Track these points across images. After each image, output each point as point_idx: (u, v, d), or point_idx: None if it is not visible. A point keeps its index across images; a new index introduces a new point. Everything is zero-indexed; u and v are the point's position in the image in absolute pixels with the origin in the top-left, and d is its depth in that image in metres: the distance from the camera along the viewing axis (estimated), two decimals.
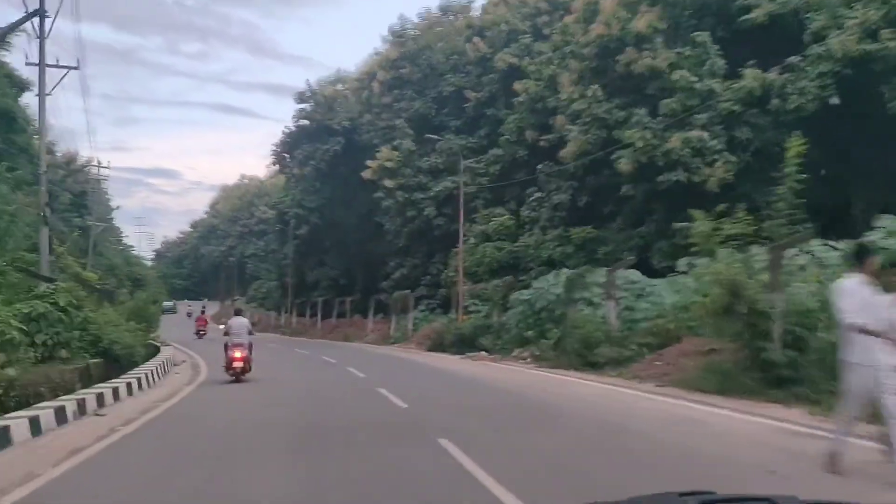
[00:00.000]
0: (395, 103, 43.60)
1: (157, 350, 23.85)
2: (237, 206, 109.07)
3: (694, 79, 25.55)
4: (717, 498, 1.72)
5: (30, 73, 55.04)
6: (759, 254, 11.53)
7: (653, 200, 27.44)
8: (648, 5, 27.78)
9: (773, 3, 25.16)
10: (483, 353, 22.60)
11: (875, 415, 5.80)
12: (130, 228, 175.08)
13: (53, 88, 24.34)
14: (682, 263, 20.34)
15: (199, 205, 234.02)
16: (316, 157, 48.76)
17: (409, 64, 43.33)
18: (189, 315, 67.17)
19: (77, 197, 60.43)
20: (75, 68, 25.04)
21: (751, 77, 24.67)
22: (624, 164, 25.92)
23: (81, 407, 10.65)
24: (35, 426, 8.80)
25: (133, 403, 12.05)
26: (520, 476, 5.99)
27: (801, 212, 11.96)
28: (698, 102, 25.72)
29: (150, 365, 16.89)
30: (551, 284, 20.97)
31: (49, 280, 15.79)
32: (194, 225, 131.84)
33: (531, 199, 33.52)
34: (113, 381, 13.39)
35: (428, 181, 39.32)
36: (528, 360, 19.59)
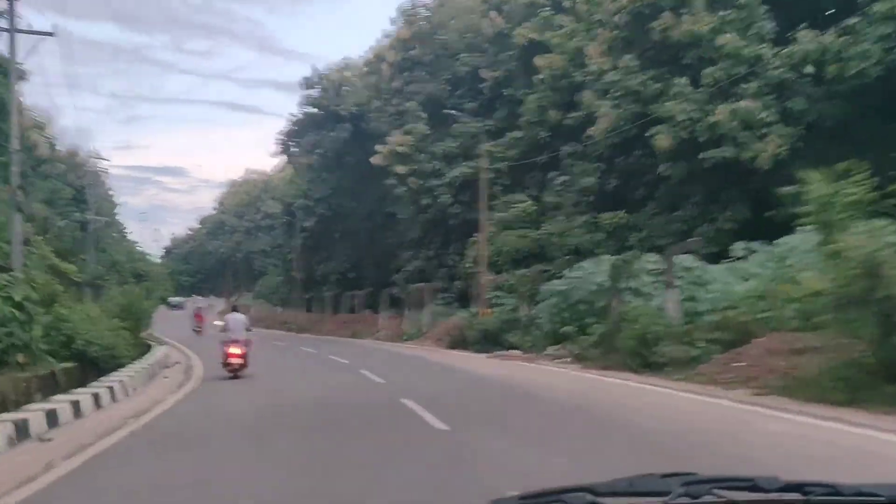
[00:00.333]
0: (406, 86, 41.10)
1: (147, 349, 21.65)
2: (244, 201, 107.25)
3: (741, 43, 22.95)
4: (699, 479, 1.70)
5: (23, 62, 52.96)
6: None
7: (692, 181, 24.92)
8: None
9: None
10: (514, 351, 20.13)
11: None
12: (138, 226, 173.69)
13: (27, 55, 22.15)
14: (737, 248, 17.93)
15: (207, 202, 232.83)
16: (323, 145, 46.40)
17: (421, 44, 40.83)
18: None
19: (78, 192, 58.57)
20: (50, 34, 22.71)
21: (806, 40, 22.06)
22: (662, 139, 23.39)
23: (23, 429, 8.31)
24: None
25: (96, 421, 9.74)
26: None
27: None
28: (745, 71, 23.17)
29: (133, 368, 14.58)
30: (589, 273, 18.52)
31: (3, 270, 13.48)
32: (202, 221, 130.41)
33: (555, 183, 31.03)
34: (79, 390, 11.05)
35: (443, 167, 36.82)
36: (568, 359, 17.16)
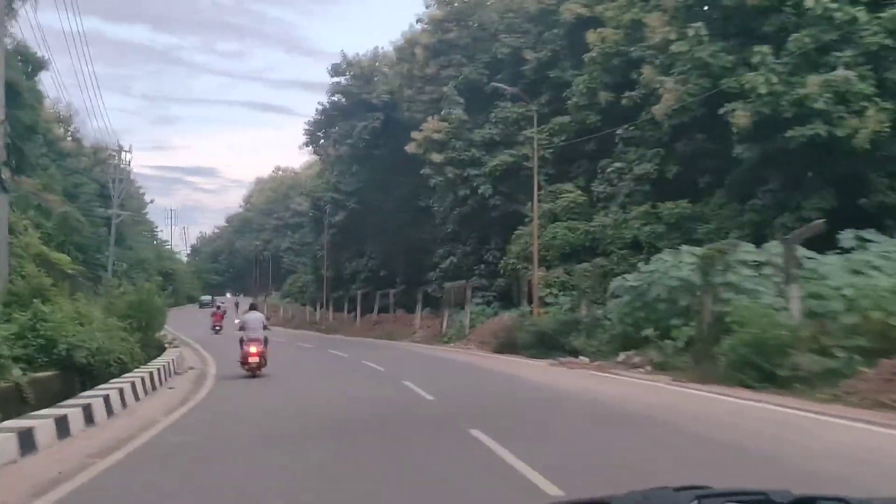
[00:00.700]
0: (441, 71, 38.56)
1: (160, 351, 19.42)
2: (271, 198, 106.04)
3: (833, 5, 20.02)
4: (712, 492, 1.68)
5: (44, 52, 51.45)
6: None
7: (770, 165, 22.05)
8: None
9: None
10: (581, 358, 17.37)
11: None
12: (167, 225, 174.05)
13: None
14: (846, 237, 15.11)
15: (236, 202, 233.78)
16: (353, 136, 44.02)
17: (457, 26, 38.26)
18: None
19: (104, 188, 57.20)
20: None
21: None
22: (740, 116, 20.52)
23: None
24: None
25: (51, 457, 7.20)
26: None
27: None
28: (837, 38, 20.25)
29: (131, 377, 12.19)
30: (670, 266, 15.78)
31: None
32: (229, 219, 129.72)
33: (608, 170, 28.26)
34: (43, 411, 8.60)
35: (482, 155, 34.20)
36: (647, 368, 14.48)
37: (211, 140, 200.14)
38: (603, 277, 23.44)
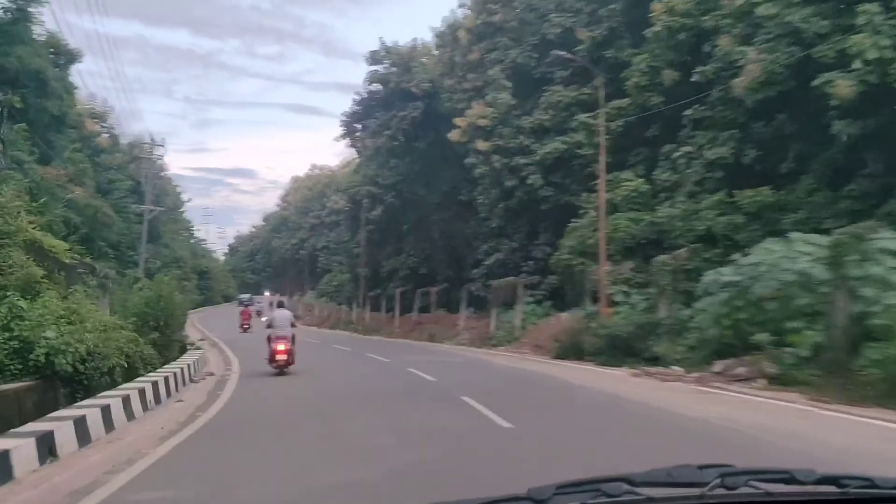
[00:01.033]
0: (485, 55, 36.16)
1: (181, 353, 17.43)
2: (307, 196, 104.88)
3: None
4: (736, 470, 1.67)
5: (78, 43, 50.43)
6: None
7: (870, 145, 19.21)
8: None
9: None
10: (672, 367, 14.64)
11: None
12: (204, 224, 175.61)
13: None
14: None
15: (274, 203, 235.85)
16: (391, 126, 41.79)
17: (503, 7, 35.79)
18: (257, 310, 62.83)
19: (138, 184, 56.14)
20: None
21: None
22: (843, 87, 17.71)
23: None
24: None
25: None
26: None
27: None
28: None
29: (130, 388, 10.00)
30: (780, 257, 13.12)
31: None
32: (266, 218, 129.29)
33: (674, 156, 25.52)
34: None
35: (531, 143, 31.67)
36: (760, 381, 11.87)
37: (250, 142, 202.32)
38: (719, 268, 20.76)
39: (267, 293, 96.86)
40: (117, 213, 50.43)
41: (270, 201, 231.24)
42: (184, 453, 7.52)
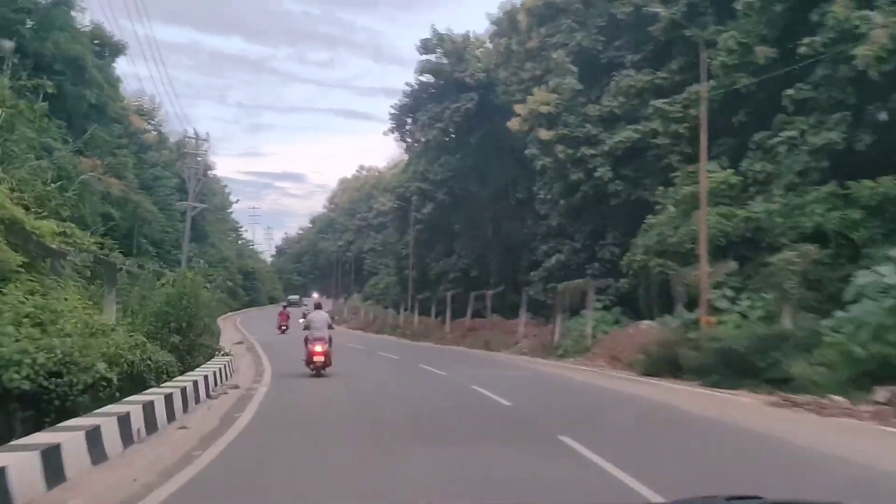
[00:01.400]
0: (546, 40, 33.41)
1: (208, 359, 15.14)
2: (355, 198, 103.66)
3: None
4: (765, 503, 1.65)
5: (122, 36, 49.39)
6: None
7: None
8: None
9: None
10: (832, 397, 11.17)
11: None
12: (252, 226, 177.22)
13: None
14: None
15: (321, 206, 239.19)
16: (443, 119, 39.31)
17: None
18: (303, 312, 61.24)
19: (184, 182, 55.02)
20: None
21: None
22: None
23: None
24: None
25: None
26: None
27: None
28: None
29: (118, 410, 7.53)
30: None
31: None
32: (313, 220, 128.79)
33: (770, 143, 22.31)
34: None
35: (599, 132, 28.75)
36: None
37: (300, 146, 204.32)
38: (802, 276, 17.59)
39: (315, 294, 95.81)
40: (161, 211, 49.16)
41: (318, 205, 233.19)
42: None
